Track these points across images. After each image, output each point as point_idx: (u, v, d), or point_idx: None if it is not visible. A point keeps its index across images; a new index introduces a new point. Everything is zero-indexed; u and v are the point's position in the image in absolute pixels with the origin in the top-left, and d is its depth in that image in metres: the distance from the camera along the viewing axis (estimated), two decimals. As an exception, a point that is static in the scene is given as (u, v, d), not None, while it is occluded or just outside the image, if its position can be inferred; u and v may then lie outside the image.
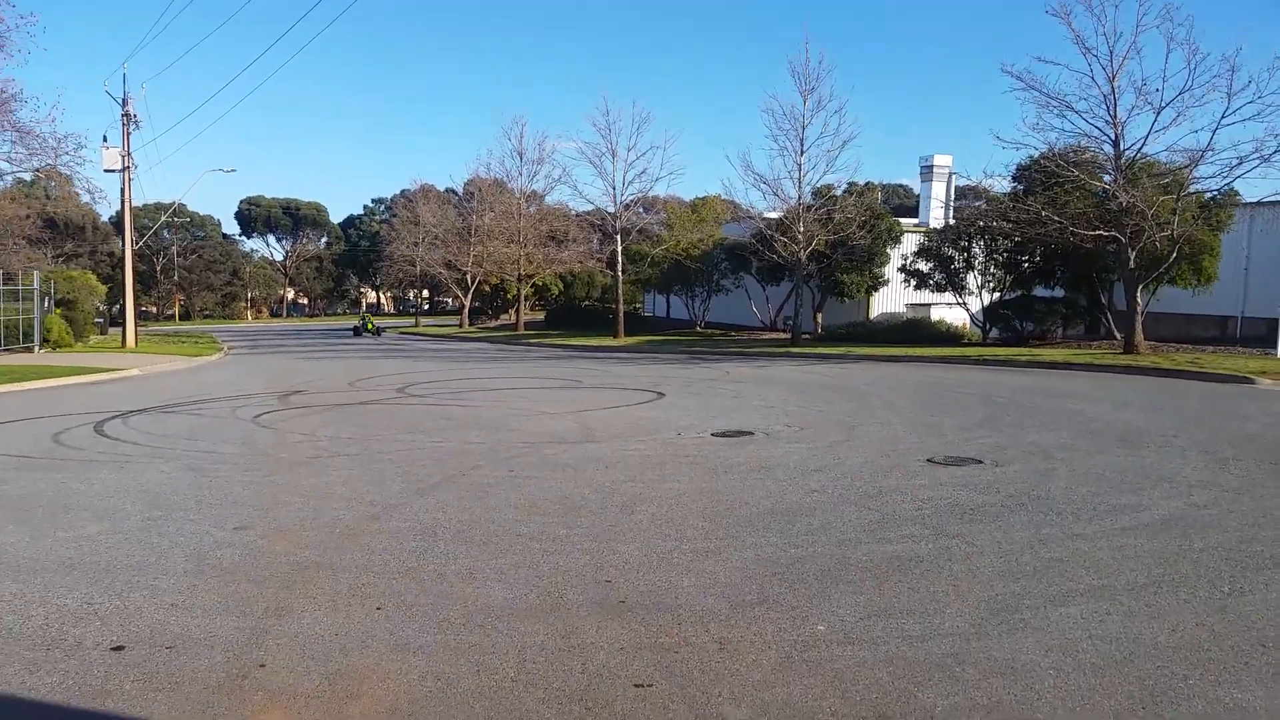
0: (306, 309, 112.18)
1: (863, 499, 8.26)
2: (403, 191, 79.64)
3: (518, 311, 53.84)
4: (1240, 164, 20.94)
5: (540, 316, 61.58)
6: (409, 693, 4.45)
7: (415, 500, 8.47)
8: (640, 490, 8.73)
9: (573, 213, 50.79)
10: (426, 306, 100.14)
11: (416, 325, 67.37)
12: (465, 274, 59.51)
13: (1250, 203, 27.99)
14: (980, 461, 9.92)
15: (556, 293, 60.56)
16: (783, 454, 10.54)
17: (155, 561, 6.60)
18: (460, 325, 61.42)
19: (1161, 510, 7.65)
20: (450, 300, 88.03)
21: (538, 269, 52.07)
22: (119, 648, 5.02)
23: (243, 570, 6.39)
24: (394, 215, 76.28)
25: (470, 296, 62.38)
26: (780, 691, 4.41)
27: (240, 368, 27.90)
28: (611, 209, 39.76)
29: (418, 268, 63.64)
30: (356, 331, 54.82)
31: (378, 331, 54.66)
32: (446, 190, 73.01)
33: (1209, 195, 23.39)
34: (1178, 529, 7.09)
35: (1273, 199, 23.29)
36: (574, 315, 53.82)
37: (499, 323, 64.82)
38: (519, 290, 53.53)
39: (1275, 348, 22.15)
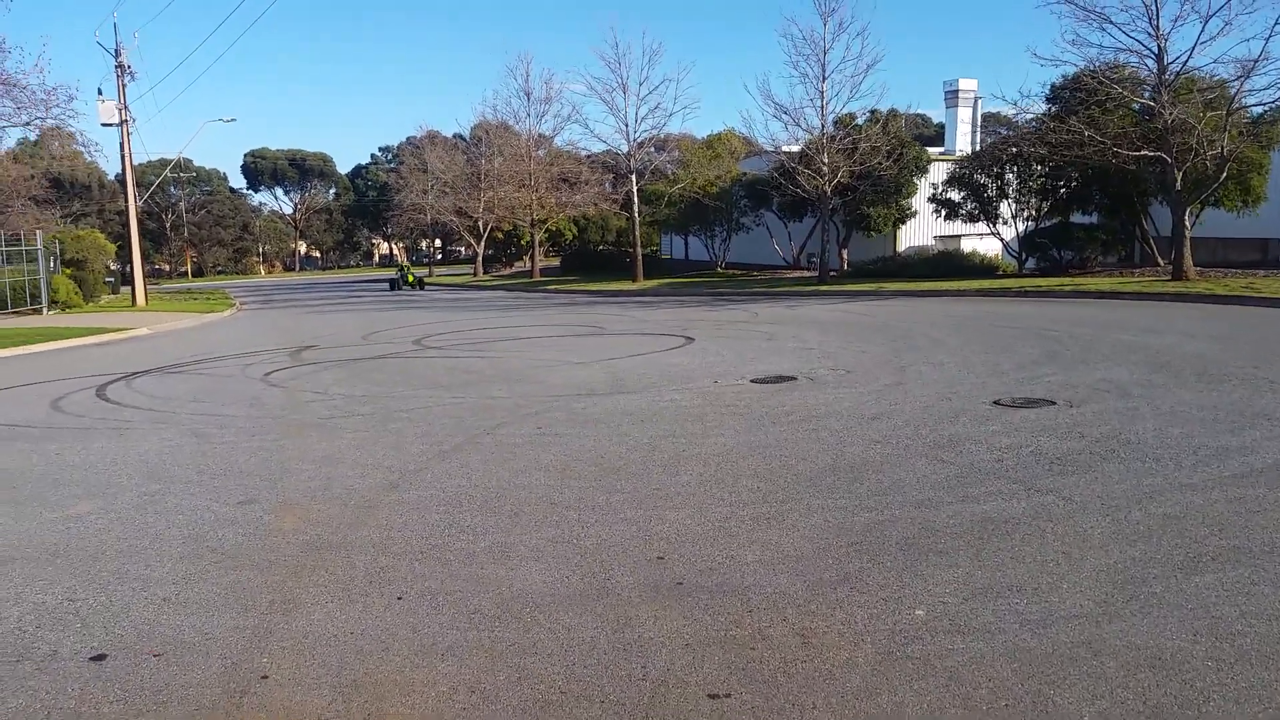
0: (319, 262, 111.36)
1: (933, 449, 7.43)
2: (409, 139, 78.05)
3: (532, 258, 52.73)
4: (1297, 73, 19.56)
5: (555, 262, 60.54)
6: (439, 711, 3.70)
7: (436, 465, 7.70)
8: (682, 447, 7.93)
9: (584, 154, 49.40)
10: (439, 256, 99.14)
11: (430, 275, 66.48)
12: (477, 221, 58.36)
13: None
14: (1053, 403, 9.05)
15: (570, 237, 59.41)
16: (831, 400, 9.70)
17: (149, 546, 5.87)
18: (474, 274, 60.53)
19: (1271, 454, 6.79)
20: (463, 249, 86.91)
21: (550, 213, 50.86)
22: (100, 656, 4.30)
23: (245, 554, 5.65)
24: (401, 163, 74.88)
25: (483, 244, 61.34)
26: (887, 701, 3.63)
27: (252, 324, 27.21)
28: (625, 147, 38.52)
29: (428, 216, 62.45)
30: (394, 285, 47.31)
31: (419, 283, 47.89)
32: (454, 136, 71.40)
33: (1260, 110, 22.01)
34: (1301, 476, 6.24)
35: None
36: (589, 260, 52.75)
37: (513, 270, 63.92)
38: (533, 236, 52.35)
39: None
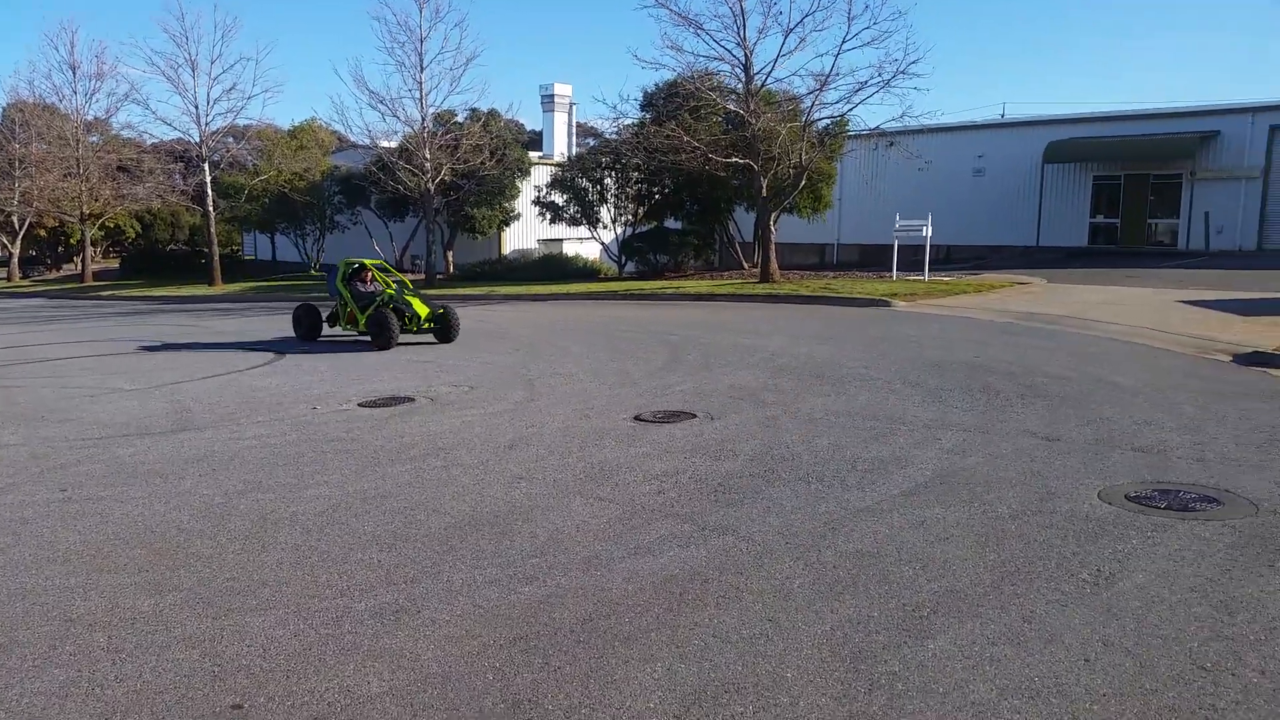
0: None
1: (586, 483, 6.30)
2: (-83, 116, 63.61)
3: (84, 259, 44.99)
4: (861, 89, 21.46)
5: (115, 265, 52.50)
6: None
7: (-121, 566, 5.13)
8: (270, 506, 6.05)
9: (148, 141, 42.94)
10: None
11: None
12: (10, 215, 48.74)
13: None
14: (693, 415, 8.40)
15: (133, 235, 51.70)
16: (459, 426, 8.27)
17: None
18: (9, 278, 50.57)
19: (927, 466, 6.52)
20: (-4, 249, 72.82)
21: (106, 207, 43.70)
22: None
23: None
24: (-93, 146, 60.78)
25: (19, 243, 51.43)
26: None
27: None
28: (196, 133, 33.85)
29: (-58, 209, 51.09)
30: (306, 326, 15.96)
31: (438, 319, 14.72)
32: (-23, 115, 59.28)
33: (825, 123, 24.03)
34: (962, 489, 5.95)
35: (893, 126, 23.95)
36: (157, 261, 46.28)
37: (61, 274, 54.46)
38: (84, 234, 44.69)
39: (884, 270, 23.67)
